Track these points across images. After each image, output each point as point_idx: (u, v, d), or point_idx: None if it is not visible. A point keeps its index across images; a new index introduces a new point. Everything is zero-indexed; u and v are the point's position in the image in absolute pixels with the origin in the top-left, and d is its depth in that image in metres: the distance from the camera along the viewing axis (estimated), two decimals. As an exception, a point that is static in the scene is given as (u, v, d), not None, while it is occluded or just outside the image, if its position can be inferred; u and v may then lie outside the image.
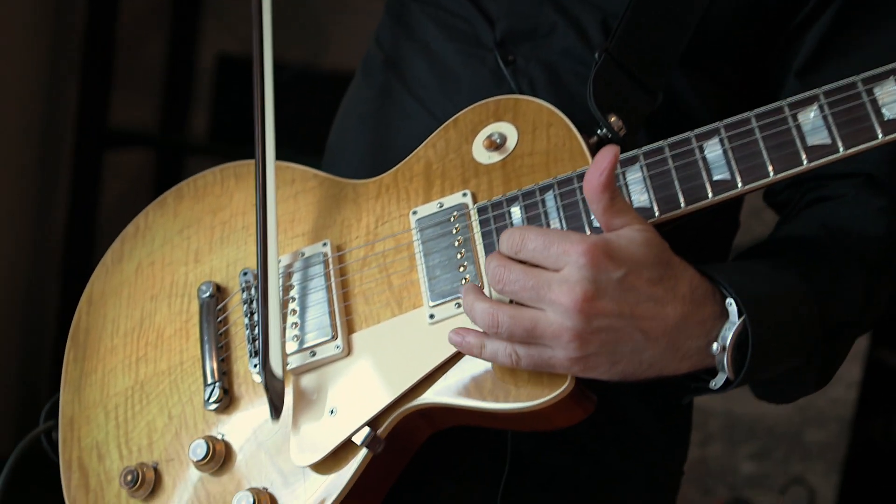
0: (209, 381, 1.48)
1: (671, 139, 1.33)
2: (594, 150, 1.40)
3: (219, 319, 1.53)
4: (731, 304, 1.27)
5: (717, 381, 1.30)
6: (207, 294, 1.55)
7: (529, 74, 1.55)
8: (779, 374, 1.37)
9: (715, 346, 1.27)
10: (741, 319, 1.26)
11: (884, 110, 1.24)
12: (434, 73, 1.64)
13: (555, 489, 1.54)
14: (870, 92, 1.24)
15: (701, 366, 1.29)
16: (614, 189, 1.26)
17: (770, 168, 1.27)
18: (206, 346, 1.51)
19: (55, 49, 4.16)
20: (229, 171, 1.64)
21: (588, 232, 1.33)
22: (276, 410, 1.42)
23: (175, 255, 1.61)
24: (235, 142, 4.16)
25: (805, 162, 1.26)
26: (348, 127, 1.75)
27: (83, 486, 1.51)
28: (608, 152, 1.26)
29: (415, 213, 1.46)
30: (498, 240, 1.34)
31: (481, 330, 1.30)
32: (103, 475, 1.50)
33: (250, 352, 1.47)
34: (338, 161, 1.72)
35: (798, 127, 1.27)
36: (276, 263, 1.48)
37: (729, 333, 1.26)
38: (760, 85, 1.56)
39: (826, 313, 1.36)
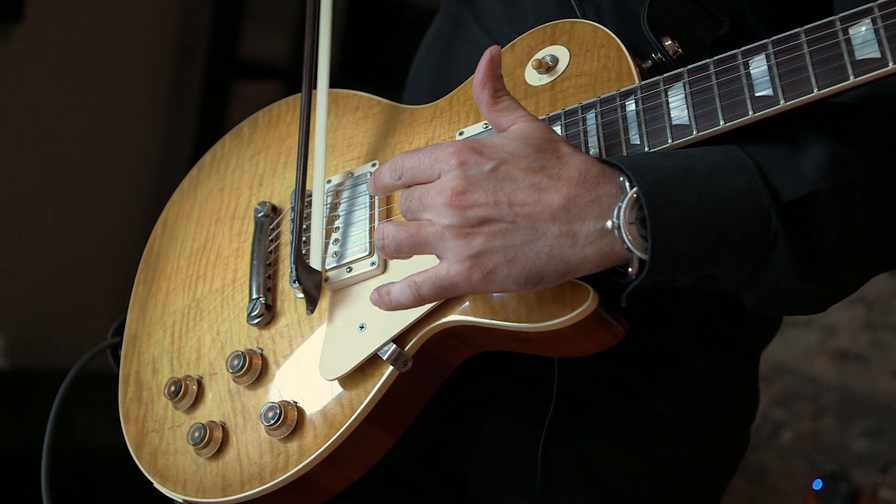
0: (253, 296, 1.50)
1: (717, 56, 1.27)
2: (649, 75, 1.35)
3: (270, 238, 1.55)
4: (624, 179, 1.21)
5: (632, 266, 1.21)
6: (262, 214, 1.58)
7: (597, 4, 1.50)
8: (750, 269, 1.25)
9: (609, 223, 1.19)
10: (632, 190, 1.19)
11: None
12: (503, 5, 1.62)
13: (602, 432, 1.51)
14: None
15: (611, 251, 1.21)
16: (496, 88, 1.28)
17: (814, 83, 1.20)
18: (255, 263, 1.53)
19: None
20: (301, 100, 1.64)
21: (624, 150, 1.29)
22: (311, 302, 1.43)
23: (243, 181, 1.65)
24: (362, 77, 4.18)
25: (852, 76, 1.17)
26: (422, 58, 1.76)
27: (136, 399, 1.55)
28: (487, 52, 1.27)
29: (461, 133, 1.46)
30: None
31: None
32: (155, 388, 1.54)
33: (292, 269, 1.47)
34: (411, 91, 1.74)
35: (848, 41, 1.18)
36: (322, 169, 1.50)
37: (621, 205, 1.19)
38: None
39: (780, 184, 1.24)
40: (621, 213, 1.19)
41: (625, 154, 1.29)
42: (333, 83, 1.64)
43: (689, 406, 1.54)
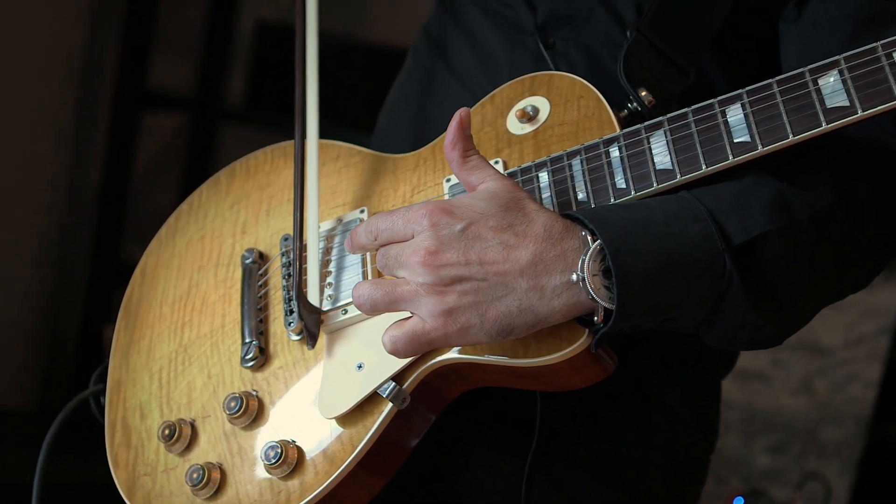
0: (247, 339, 1.53)
1: (695, 105, 1.36)
2: (625, 124, 1.44)
3: (259, 283, 1.59)
4: (586, 233, 1.29)
5: (597, 315, 1.29)
6: (250, 260, 1.61)
7: (569, 57, 1.59)
8: (708, 310, 1.33)
9: (574, 275, 1.27)
10: (595, 244, 1.27)
11: None
12: (477, 57, 1.69)
13: (581, 464, 1.57)
14: (889, 56, 1.26)
15: (577, 302, 1.28)
16: (466, 148, 1.35)
17: (789, 129, 1.30)
18: (246, 308, 1.57)
19: (98, 8, 4.19)
20: (279, 150, 1.72)
21: (611, 194, 1.37)
22: (312, 338, 1.47)
23: (224, 229, 1.68)
24: (271, 109, 4.18)
25: (824, 123, 1.28)
26: (395, 108, 1.82)
27: (125, 444, 1.57)
28: (456, 114, 1.35)
29: (448, 180, 1.52)
30: None
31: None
32: (144, 433, 1.56)
33: (286, 311, 1.52)
34: (385, 140, 1.79)
35: (818, 91, 1.29)
36: (316, 209, 1.55)
37: (584, 258, 1.27)
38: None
39: (731, 229, 1.31)
40: (585, 265, 1.27)
41: (612, 198, 1.37)
42: (239, 116, 1.68)
43: (662, 439, 1.63)
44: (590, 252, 1.27)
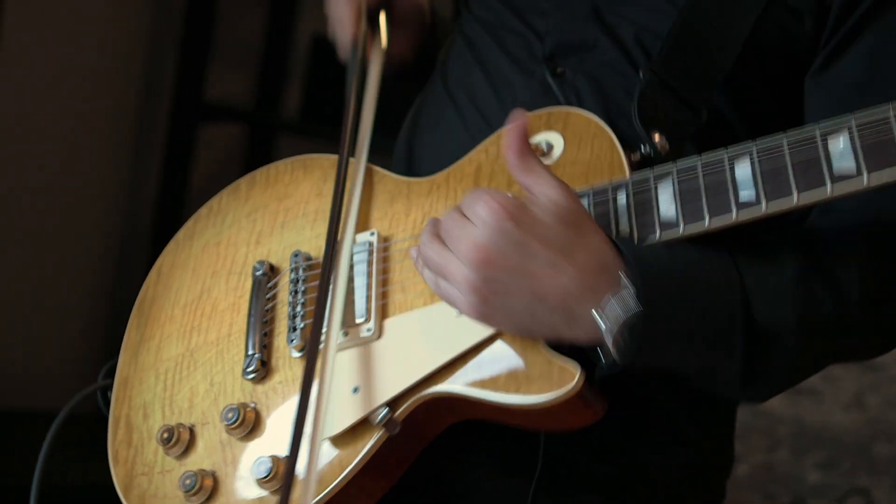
0: (250, 352, 1.56)
1: (705, 156, 1.37)
2: (637, 166, 1.46)
3: (267, 296, 1.62)
4: (623, 275, 1.33)
5: (605, 355, 1.35)
6: (260, 272, 1.64)
7: (577, 86, 1.61)
8: (696, 367, 1.42)
9: (602, 323, 1.32)
10: (630, 295, 1.32)
11: None
12: (489, 83, 1.71)
13: (588, 488, 1.58)
14: None
15: (598, 339, 1.34)
16: (524, 152, 1.38)
17: (794, 191, 1.30)
18: (252, 320, 1.60)
19: (157, 21, 4.26)
20: (299, 162, 1.74)
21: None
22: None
23: (240, 237, 1.70)
24: (325, 122, 4.23)
25: (829, 186, 1.28)
26: (412, 132, 1.84)
27: (126, 442, 1.60)
28: (515, 117, 1.39)
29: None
30: None
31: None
32: (145, 433, 1.60)
33: (289, 327, 1.55)
34: (400, 163, 1.82)
35: (827, 152, 1.29)
36: (350, 248, 1.58)
37: (615, 306, 1.32)
38: (797, 106, 1.59)
39: (753, 308, 1.37)
40: (612, 314, 1.32)
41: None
42: (295, 127, 1.73)
43: (675, 464, 1.63)
44: (622, 303, 1.32)
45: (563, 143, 1.52)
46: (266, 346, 1.57)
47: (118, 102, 4.20)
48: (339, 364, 1.49)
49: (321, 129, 4.25)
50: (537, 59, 1.66)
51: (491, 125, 1.63)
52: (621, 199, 1.41)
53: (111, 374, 1.71)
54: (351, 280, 1.56)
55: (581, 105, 1.58)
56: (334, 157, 1.68)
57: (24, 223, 3.91)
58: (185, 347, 1.64)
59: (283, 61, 4.58)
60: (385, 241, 1.58)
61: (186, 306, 1.68)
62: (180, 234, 1.78)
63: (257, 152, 4.56)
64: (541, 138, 1.54)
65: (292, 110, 4.59)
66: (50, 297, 4.05)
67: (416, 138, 1.82)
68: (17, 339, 3.93)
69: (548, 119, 1.55)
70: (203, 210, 1.79)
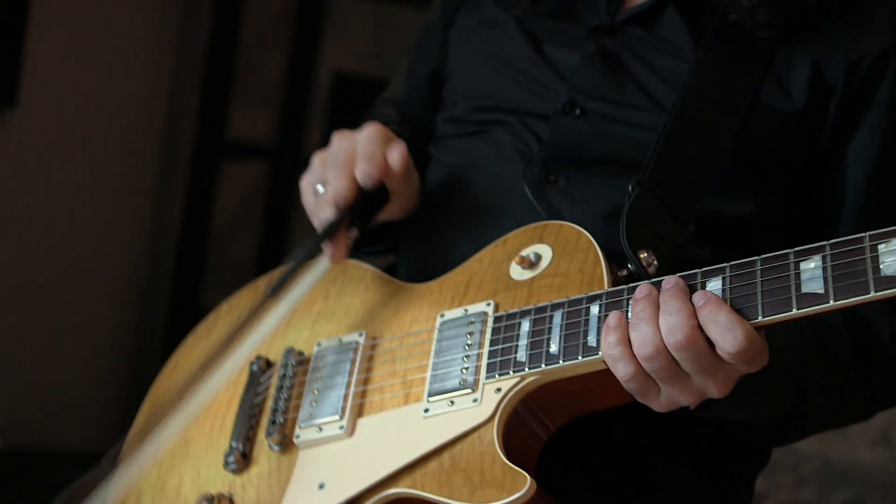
0: (233, 444, 1.61)
1: (681, 274, 1.39)
2: (623, 282, 1.47)
3: (258, 390, 1.67)
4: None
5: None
6: (256, 367, 1.69)
7: (571, 195, 1.63)
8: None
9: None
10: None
11: (882, 266, 1.25)
12: (483, 186, 1.72)
13: None
14: (874, 248, 1.26)
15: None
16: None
17: (760, 311, 1.31)
18: (240, 413, 1.65)
19: (179, 60, 4.31)
20: (312, 263, 1.75)
21: (580, 351, 1.41)
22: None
23: (248, 334, 1.72)
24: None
25: (795, 308, 1.29)
26: (411, 236, 1.84)
27: None
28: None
29: (442, 315, 1.57)
30: (501, 350, 1.48)
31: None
32: None
33: (269, 422, 1.60)
34: (400, 267, 1.83)
35: (797, 274, 1.30)
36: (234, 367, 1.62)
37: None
38: (786, 212, 1.65)
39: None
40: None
41: (580, 356, 1.42)
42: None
43: None
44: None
45: (550, 255, 1.54)
46: (250, 439, 1.62)
47: (142, 141, 4.24)
48: (311, 459, 1.54)
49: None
50: (534, 161, 1.67)
51: (485, 229, 1.65)
52: (594, 310, 1.43)
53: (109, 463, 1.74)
54: (330, 377, 1.61)
55: (574, 213, 1.61)
56: (346, 261, 1.70)
57: (51, 258, 3.94)
58: (182, 437, 1.68)
59: (305, 98, 4.60)
60: (373, 341, 1.62)
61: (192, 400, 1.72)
62: (199, 330, 1.84)
63: (280, 190, 4.58)
64: (529, 251, 1.56)
65: (314, 147, 4.61)
66: (74, 333, 4.08)
67: (412, 244, 1.82)
68: (40, 377, 3.95)
69: (542, 232, 1.57)
70: (223, 307, 1.84)
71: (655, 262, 1.48)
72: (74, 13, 3.87)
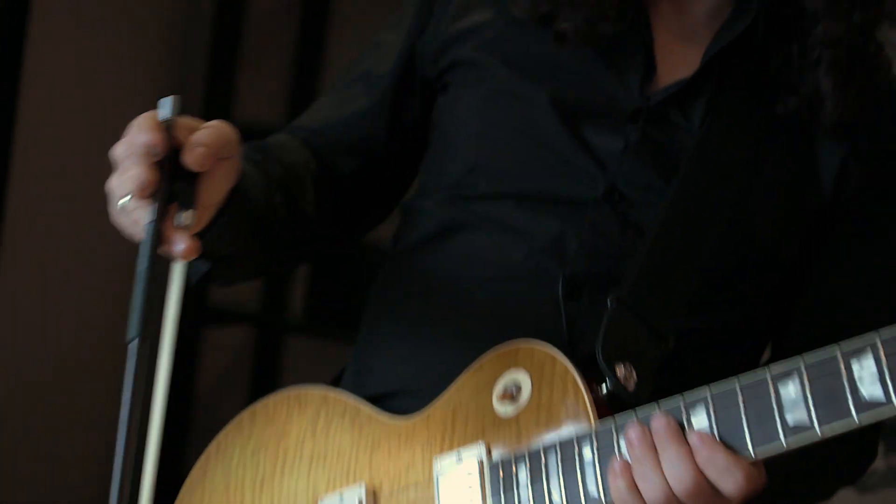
0: None
1: (663, 404, 1.38)
2: (606, 401, 1.46)
3: None
4: None
5: None
6: None
7: (593, 315, 1.57)
8: None
9: None
10: None
11: (861, 389, 1.23)
12: (494, 293, 1.67)
13: None
14: (848, 366, 1.25)
15: None
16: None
17: (750, 445, 1.31)
18: None
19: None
20: (294, 396, 1.74)
21: (582, 498, 1.40)
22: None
23: (245, 480, 1.72)
24: (329, 321, 4.26)
25: (784, 442, 1.29)
26: (388, 325, 1.79)
27: None
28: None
29: (436, 460, 1.54)
30: (504, 499, 1.45)
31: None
32: None
33: None
34: (372, 362, 1.77)
35: (779, 401, 1.29)
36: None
37: None
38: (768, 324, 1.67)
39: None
40: None
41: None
42: (301, 328, 1.76)
43: None
44: None
45: (529, 385, 1.49)
46: None
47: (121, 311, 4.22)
48: None
49: (326, 328, 4.28)
50: (556, 279, 1.61)
51: (492, 341, 1.57)
52: (587, 454, 1.41)
53: None
54: None
55: (596, 334, 1.54)
56: (324, 391, 1.70)
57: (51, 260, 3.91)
58: None
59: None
60: (373, 496, 1.59)
61: None
62: (194, 475, 1.79)
63: (265, 355, 4.59)
64: (508, 381, 1.52)
65: (298, 311, 4.63)
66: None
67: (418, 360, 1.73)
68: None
69: (516, 356, 1.52)
70: (211, 448, 1.79)
71: (635, 376, 1.46)
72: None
